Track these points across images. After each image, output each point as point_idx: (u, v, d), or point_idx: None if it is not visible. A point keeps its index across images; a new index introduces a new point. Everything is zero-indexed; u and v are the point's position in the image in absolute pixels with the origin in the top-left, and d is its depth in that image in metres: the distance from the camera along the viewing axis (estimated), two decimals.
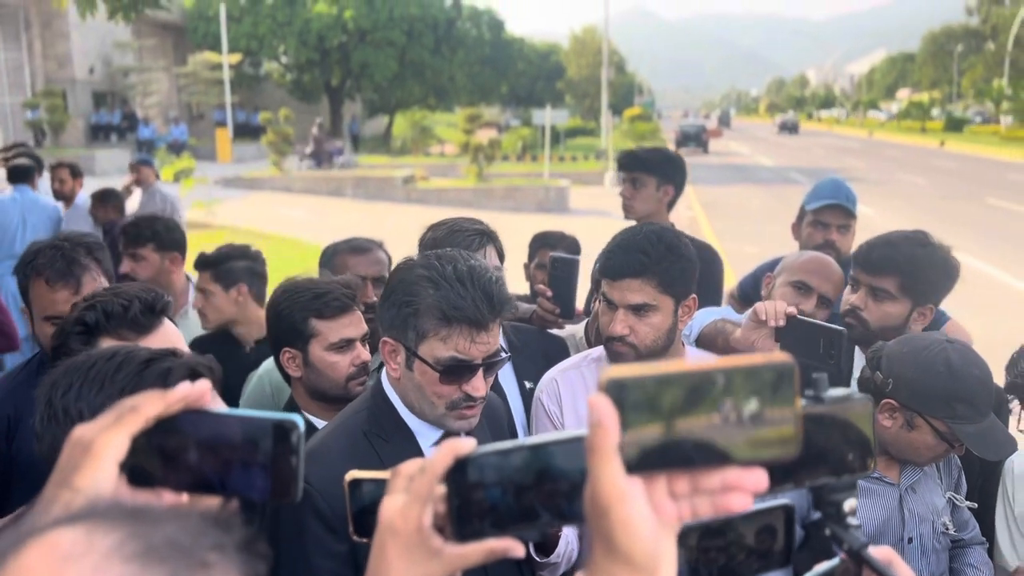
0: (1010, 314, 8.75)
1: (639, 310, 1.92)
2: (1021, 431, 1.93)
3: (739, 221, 17.22)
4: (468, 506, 0.70)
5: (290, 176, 23.08)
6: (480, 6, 45.55)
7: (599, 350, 2.11)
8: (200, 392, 0.78)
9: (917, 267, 2.25)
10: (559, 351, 2.32)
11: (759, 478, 0.62)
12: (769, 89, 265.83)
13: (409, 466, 0.80)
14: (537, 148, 33.36)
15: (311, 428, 1.98)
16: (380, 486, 0.98)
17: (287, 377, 2.13)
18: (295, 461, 0.75)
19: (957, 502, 2.08)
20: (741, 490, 0.62)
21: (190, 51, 35.66)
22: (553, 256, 2.46)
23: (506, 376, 2.28)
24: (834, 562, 1.02)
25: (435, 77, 40.62)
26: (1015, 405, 1.96)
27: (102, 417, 0.77)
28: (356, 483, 1.02)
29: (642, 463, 0.60)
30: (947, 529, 2.03)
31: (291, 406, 2.12)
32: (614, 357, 1.98)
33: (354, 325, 2.05)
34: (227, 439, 0.76)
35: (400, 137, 36.91)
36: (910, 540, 2.00)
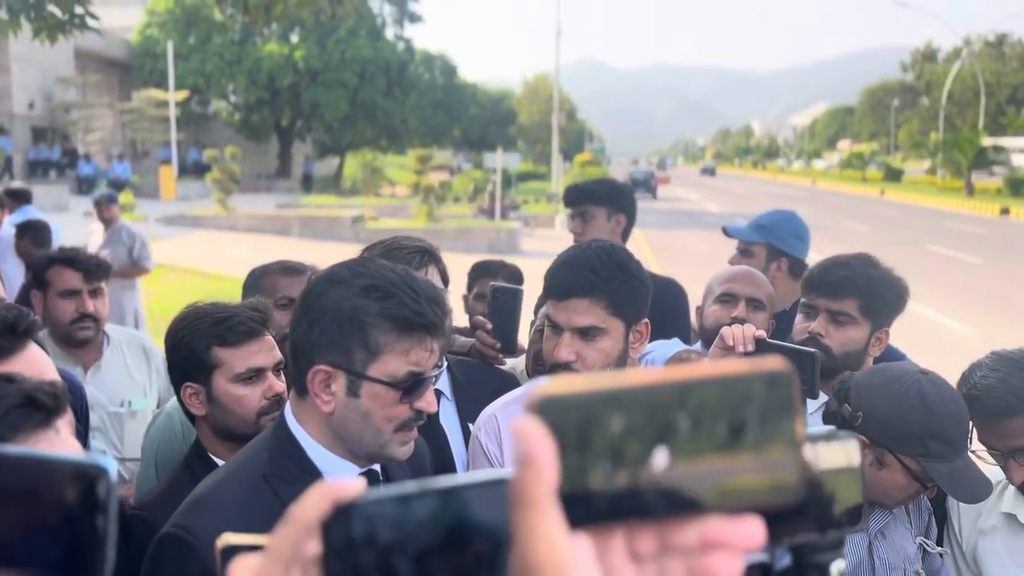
0: (954, 357, 8.82)
1: (586, 333, 1.74)
2: (973, 452, 1.80)
3: (688, 264, 17.33)
4: (352, 572, 0.47)
5: (235, 214, 22.65)
6: (433, 51, 46.00)
7: (542, 383, 1.91)
8: None
9: (875, 287, 2.15)
10: (510, 389, 2.07)
11: (752, 530, 0.45)
12: (715, 138, 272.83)
13: (290, 530, 0.58)
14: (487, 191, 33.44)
15: None
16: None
17: (191, 416, 1.88)
18: (101, 523, 0.52)
19: (928, 548, 1.92)
20: (728, 547, 0.44)
21: (136, 88, 35.14)
22: (494, 285, 2.24)
23: (448, 417, 2.06)
24: None
25: (387, 119, 40.69)
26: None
27: None
28: (230, 550, 0.80)
29: (590, 514, 0.43)
30: None
31: (197, 448, 1.87)
32: None
33: (264, 352, 1.82)
34: (9, 489, 0.54)
35: (351, 178, 36.75)
36: None
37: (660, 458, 0.43)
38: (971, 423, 1.80)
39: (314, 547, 0.48)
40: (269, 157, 43.57)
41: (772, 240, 3.09)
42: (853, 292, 2.12)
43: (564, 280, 1.75)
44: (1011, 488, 1.83)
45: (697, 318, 2.62)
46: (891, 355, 2.42)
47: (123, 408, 2.87)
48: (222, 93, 39.51)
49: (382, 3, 42.16)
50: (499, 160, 24.99)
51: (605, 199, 3.17)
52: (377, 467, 1.49)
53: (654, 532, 0.45)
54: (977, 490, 1.73)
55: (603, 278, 1.72)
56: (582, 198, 3.17)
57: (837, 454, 0.83)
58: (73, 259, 2.82)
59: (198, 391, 1.81)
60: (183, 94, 32.49)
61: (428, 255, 2.05)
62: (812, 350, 1.85)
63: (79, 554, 0.53)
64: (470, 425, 2.04)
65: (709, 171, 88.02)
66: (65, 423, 0.98)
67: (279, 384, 1.82)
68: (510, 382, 2.19)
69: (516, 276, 3.37)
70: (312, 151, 45.42)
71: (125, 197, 16.77)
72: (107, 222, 7.08)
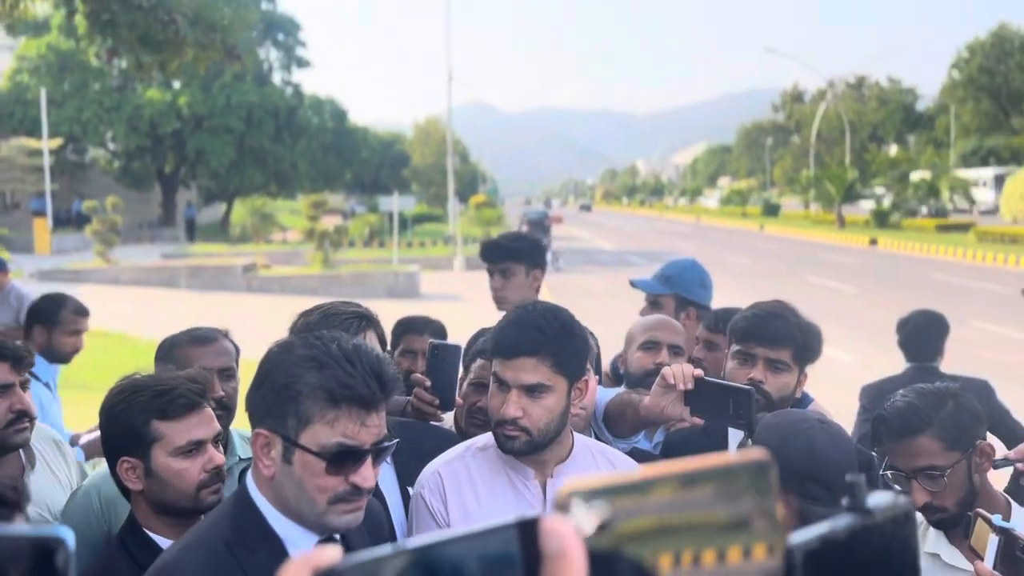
0: (835, 384, 9.30)
1: (533, 391, 1.78)
2: (883, 475, 1.94)
3: (584, 302, 17.68)
4: None
5: (118, 267, 21.70)
6: (322, 96, 45.69)
7: (484, 439, 1.94)
8: None
9: (807, 337, 2.29)
10: (448, 446, 2.06)
11: None
12: (603, 178, 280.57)
13: None
14: (384, 234, 33.29)
15: (158, 550, 1.68)
16: None
17: (125, 491, 1.81)
18: None
19: None
20: None
21: (5, 136, 33.35)
22: (433, 343, 2.27)
23: (386, 480, 2.04)
24: None
25: (276, 164, 40.03)
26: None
27: None
28: None
29: None
30: None
31: (131, 524, 1.79)
32: (504, 442, 1.82)
33: (204, 424, 1.78)
34: None
35: (239, 225, 35.81)
36: None
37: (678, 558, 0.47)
38: (878, 449, 1.93)
39: None
40: (152, 206, 42.02)
41: (679, 291, 3.25)
42: (790, 342, 2.25)
43: (512, 339, 1.79)
44: (931, 530, 1.93)
45: (621, 364, 2.73)
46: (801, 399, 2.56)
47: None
48: (100, 141, 37.97)
49: (269, 48, 41.72)
50: (396, 204, 24.96)
51: (525, 256, 3.24)
52: (337, 535, 1.50)
53: None
54: None
55: (549, 337, 1.77)
56: (504, 255, 3.22)
57: None
58: None
59: (135, 465, 1.75)
60: (57, 142, 31.04)
61: (366, 320, 2.07)
62: (747, 387, 1.97)
63: None
64: (409, 488, 2.03)
65: (586, 207, 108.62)
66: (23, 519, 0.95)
67: (219, 456, 1.78)
68: (449, 440, 2.19)
69: (441, 332, 3.38)
70: (197, 198, 44.11)
71: None
72: None
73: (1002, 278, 22.22)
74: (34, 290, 6.70)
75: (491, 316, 3.65)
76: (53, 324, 3.96)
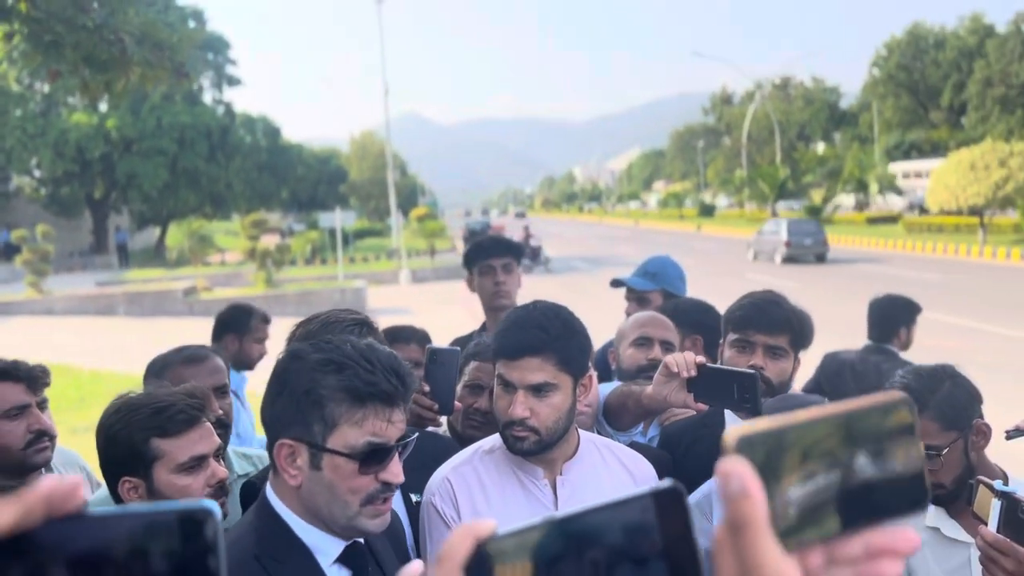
0: None
1: (539, 390, 1.79)
2: None
3: None
4: None
5: (51, 297, 21.00)
6: (254, 114, 45.02)
7: (490, 441, 1.94)
8: (70, 488, 0.52)
9: (800, 323, 2.35)
10: (449, 453, 2.05)
11: (909, 537, 0.53)
12: (542, 186, 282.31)
13: None
14: (326, 251, 32.91)
15: None
16: None
17: None
18: (214, 563, 0.53)
19: None
20: (892, 553, 0.52)
21: None
22: (432, 348, 2.27)
23: None
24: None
25: (211, 185, 39.24)
26: None
27: None
28: None
29: (791, 535, 0.51)
30: None
31: None
32: (514, 444, 1.82)
33: (205, 440, 1.75)
34: (116, 549, 0.52)
35: (175, 248, 34.96)
36: None
37: (834, 479, 0.52)
38: None
39: None
40: (82, 233, 40.78)
41: (665, 286, 3.33)
42: (787, 328, 2.31)
43: (516, 340, 1.80)
44: (931, 505, 1.97)
45: (612, 360, 2.78)
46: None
47: None
48: (24, 168, 36.73)
49: (199, 68, 40.90)
50: (338, 219, 24.69)
51: (520, 253, 3.38)
52: (362, 540, 1.49)
53: (821, 549, 0.52)
54: None
55: (552, 336, 1.78)
56: (508, 250, 3.32)
57: None
58: (8, 370, 2.32)
59: (137, 485, 1.71)
60: None
61: (366, 327, 2.06)
62: (751, 371, 2.00)
63: None
64: (412, 495, 2.03)
65: (520, 215, 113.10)
66: None
67: (222, 470, 1.76)
68: (447, 445, 2.20)
69: (426, 340, 3.40)
70: (130, 223, 42.96)
71: None
72: None
73: (933, 266, 23.09)
74: None
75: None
76: (244, 332, 3.91)
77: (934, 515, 1.98)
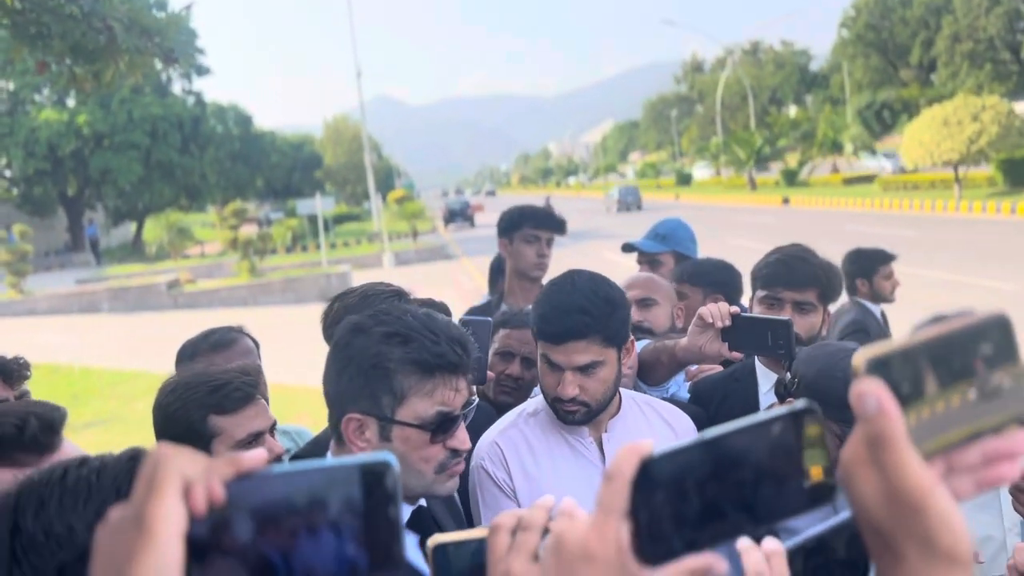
0: None
1: (587, 369, 1.82)
2: None
3: None
4: (656, 518, 0.59)
5: (32, 297, 20.80)
6: (224, 103, 44.49)
7: (534, 404, 1.98)
8: (261, 457, 0.59)
9: (828, 276, 2.39)
10: (488, 421, 2.08)
11: (1021, 439, 0.56)
12: (517, 163, 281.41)
13: (506, 518, 0.67)
14: (307, 238, 32.75)
15: None
16: (468, 548, 0.84)
17: None
18: (394, 512, 0.58)
19: None
20: (1010, 457, 0.56)
21: None
22: (464, 319, 2.31)
23: None
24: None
25: (186, 177, 38.81)
26: None
27: (138, 491, 0.57)
28: (441, 549, 0.86)
29: (928, 447, 0.55)
30: None
31: None
32: (565, 416, 1.86)
33: (261, 416, 1.79)
34: (300, 503, 0.57)
35: (154, 242, 34.62)
36: None
37: (962, 391, 0.55)
38: None
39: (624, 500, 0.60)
40: (57, 232, 40.26)
41: (676, 247, 3.38)
42: (815, 283, 2.35)
43: (560, 326, 1.81)
44: None
45: None
46: None
47: None
48: None
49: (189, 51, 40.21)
50: (318, 205, 24.56)
51: (563, 230, 3.40)
52: (424, 503, 1.53)
53: (942, 457, 0.56)
54: None
55: (596, 317, 1.80)
56: (551, 223, 3.35)
57: None
58: None
59: None
60: None
61: (403, 297, 2.10)
62: (785, 318, 2.06)
63: (378, 544, 0.58)
64: None
65: (491, 193, 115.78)
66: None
67: (279, 446, 1.80)
68: (490, 414, 2.23)
69: (445, 311, 3.44)
70: (105, 219, 42.46)
71: None
72: None
73: (908, 223, 23.36)
74: None
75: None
76: None
77: None
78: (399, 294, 2.10)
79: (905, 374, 0.55)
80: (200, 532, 0.57)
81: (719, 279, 2.98)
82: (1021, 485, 1.68)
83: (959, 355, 0.56)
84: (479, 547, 0.71)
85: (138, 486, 0.58)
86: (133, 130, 36.18)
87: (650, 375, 2.35)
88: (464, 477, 2.00)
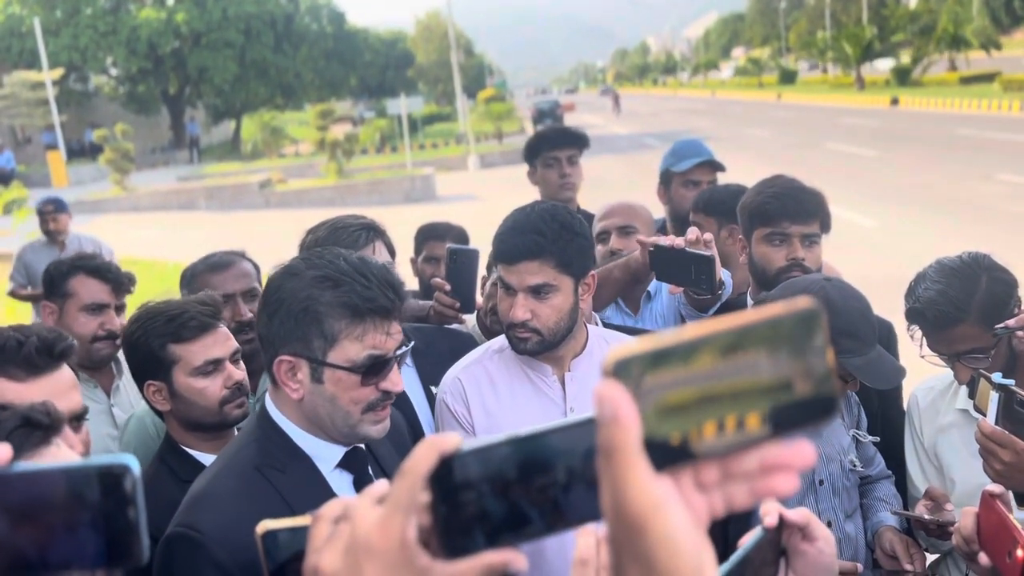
0: (861, 250, 9.29)
1: (539, 292, 1.83)
2: (923, 357, 1.96)
3: (604, 192, 17.58)
4: (457, 514, 0.58)
5: (136, 194, 21.81)
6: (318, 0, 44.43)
7: (500, 341, 1.99)
8: (4, 457, 0.60)
9: (825, 205, 2.28)
10: (467, 348, 2.13)
11: (805, 452, 0.51)
12: (614, 59, 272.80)
13: (332, 507, 0.67)
14: (395, 139, 32.94)
15: (196, 464, 1.80)
16: (299, 534, 0.85)
17: (159, 413, 1.93)
18: (133, 514, 0.59)
19: (861, 439, 2.11)
20: (786, 469, 0.51)
21: (5, 71, 33.01)
22: (451, 247, 2.31)
23: (410, 382, 2.12)
24: (758, 534, 0.95)
25: (280, 76, 39.33)
26: (915, 331, 1.97)
27: None
28: (271, 535, 0.88)
29: (669, 458, 0.49)
30: (855, 467, 2.06)
31: (168, 442, 1.92)
32: (517, 344, 1.87)
33: (219, 344, 1.87)
34: (43, 501, 0.59)
35: (250, 141, 35.53)
36: (821, 482, 2.02)
37: (723, 393, 0.49)
38: (920, 331, 1.93)
39: (424, 496, 0.58)
40: (161, 129, 41.79)
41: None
42: (818, 214, 2.25)
43: (513, 244, 1.83)
44: (964, 387, 1.95)
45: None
46: None
47: None
48: (101, 67, 37.45)
49: None
50: (404, 106, 24.54)
51: (585, 143, 3.40)
52: (362, 445, 1.56)
53: (717, 464, 0.51)
54: (892, 377, 1.90)
55: (549, 239, 1.80)
56: (574, 141, 3.35)
57: None
58: (100, 269, 2.58)
59: (160, 388, 1.86)
60: (58, 72, 30.70)
61: (373, 231, 2.11)
62: (708, 254, 2.05)
63: (119, 544, 0.60)
64: (432, 388, 2.11)
65: (571, 90, 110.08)
66: (63, 439, 1.03)
67: (238, 372, 1.88)
68: (467, 342, 2.26)
69: (463, 237, 3.43)
70: (205, 117, 43.70)
71: (17, 190, 15.89)
72: (54, 235, 6.00)
73: None
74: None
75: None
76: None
77: (965, 397, 1.95)
78: (368, 228, 2.10)
79: (660, 376, 0.48)
80: None
81: (735, 207, 2.86)
82: (991, 448, 1.59)
83: (740, 352, 0.49)
84: (306, 535, 0.72)
85: None
86: (228, 28, 36.67)
87: (602, 290, 2.30)
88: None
